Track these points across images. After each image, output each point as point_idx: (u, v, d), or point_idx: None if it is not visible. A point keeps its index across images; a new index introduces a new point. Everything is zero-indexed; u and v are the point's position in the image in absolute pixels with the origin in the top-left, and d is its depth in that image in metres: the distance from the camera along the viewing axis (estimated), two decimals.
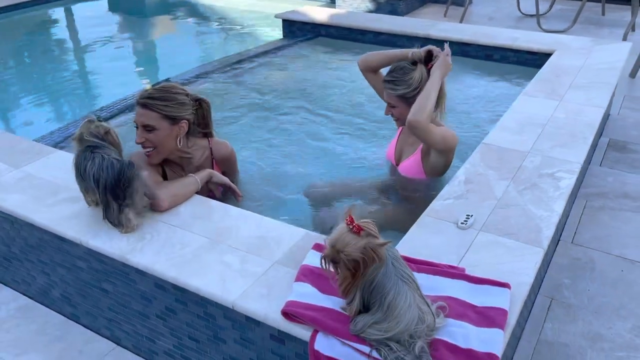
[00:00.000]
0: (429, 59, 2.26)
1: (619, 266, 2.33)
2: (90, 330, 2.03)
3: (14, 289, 2.22)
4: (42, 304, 2.15)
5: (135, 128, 2.06)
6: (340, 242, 1.28)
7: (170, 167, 2.19)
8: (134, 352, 1.94)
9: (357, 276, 1.29)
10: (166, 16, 7.28)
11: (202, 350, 1.71)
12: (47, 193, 2.01)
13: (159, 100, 2.00)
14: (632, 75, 4.49)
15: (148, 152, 2.06)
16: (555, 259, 2.35)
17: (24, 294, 2.20)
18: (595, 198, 2.82)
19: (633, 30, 5.63)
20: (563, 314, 2.09)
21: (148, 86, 2.09)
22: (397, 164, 2.49)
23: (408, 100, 2.24)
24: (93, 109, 3.73)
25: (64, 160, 2.24)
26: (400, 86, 2.24)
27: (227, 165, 2.36)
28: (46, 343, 1.99)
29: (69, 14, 7.41)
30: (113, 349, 1.97)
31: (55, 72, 5.03)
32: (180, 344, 1.76)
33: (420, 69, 2.23)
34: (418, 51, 2.24)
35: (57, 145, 2.75)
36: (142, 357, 1.92)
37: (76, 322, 2.07)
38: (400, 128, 2.50)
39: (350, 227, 1.28)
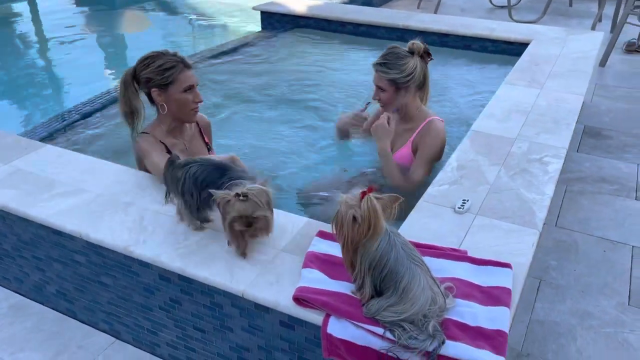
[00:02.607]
0: (427, 54, 2.31)
1: (601, 247, 2.43)
2: (88, 325, 2.02)
3: (4, 287, 2.18)
4: (35, 301, 2.12)
5: (184, 91, 2.12)
6: (345, 195, 1.35)
7: (175, 137, 2.26)
8: (134, 345, 1.93)
9: (342, 236, 1.34)
10: (138, 9, 7.14)
11: (208, 340, 1.72)
12: (41, 188, 1.97)
13: None
14: (602, 64, 4.64)
15: (198, 108, 2.21)
16: (541, 242, 2.42)
17: (16, 292, 2.16)
18: (574, 183, 2.93)
19: (600, 21, 5.80)
20: (552, 294, 2.17)
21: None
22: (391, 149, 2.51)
23: (398, 86, 2.28)
24: (68, 104, 3.63)
25: (55, 155, 2.21)
26: (392, 70, 2.26)
27: (209, 133, 2.47)
28: (42, 340, 1.96)
29: (33, 7, 7.20)
30: (112, 342, 1.96)
31: (21, 67, 4.89)
32: (185, 334, 1.76)
33: (416, 59, 2.27)
34: (419, 43, 2.28)
35: (42, 140, 2.69)
36: (143, 350, 1.92)
37: (72, 317, 2.04)
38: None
39: (363, 190, 1.32)
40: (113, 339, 1.97)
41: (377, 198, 1.31)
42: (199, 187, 1.62)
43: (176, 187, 1.67)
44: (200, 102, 2.18)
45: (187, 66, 2.13)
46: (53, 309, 2.08)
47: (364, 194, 1.30)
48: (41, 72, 4.90)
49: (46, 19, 6.74)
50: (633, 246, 2.42)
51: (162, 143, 2.19)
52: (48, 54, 5.43)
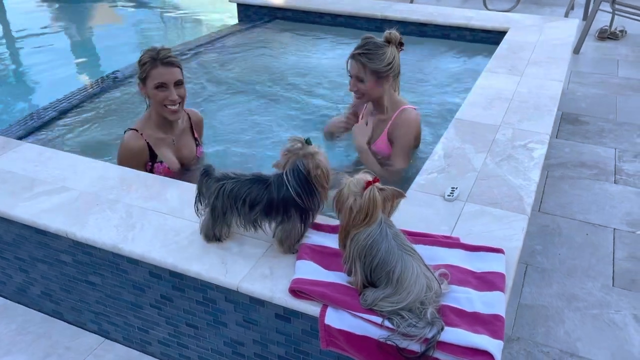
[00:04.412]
0: (401, 44, 2.31)
1: (583, 230, 2.48)
2: (75, 325, 1.97)
3: None
4: (19, 303, 2.07)
5: (156, 88, 2.14)
6: (351, 179, 1.36)
7: (164, 131, 2.29)
8: (124, 344, 1.90)
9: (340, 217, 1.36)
10: (108, 3, 6.99)
11: (201, 336, 1.70)
12: (22, 187, 1.92)
13: (176, 57, 2.18)
14: (576, 51, 4.71)
15: (176, 108, 2.18)
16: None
17: None
18: (555, 168, 2.97)
19: (572, 8, 5.89)
20: (539, 278, 2.20)
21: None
22: (369, 143, 2.52)
23: (379, 75, 2.27)
24: (39, 101, 3.53)
25: (34, 153, 2.15)
26: (373, 60, 2.24)
27: (200, 130, 2.51)
28: (29, 342, 1.92)
29: None
30: (102, 342, 1.92)
31: None
32: (177, 331, 1.74)
33: (393, 49, 2.26)
34: (396, 33, 2.27)
35: (19, 138, 2.61)
36: (134, 348, 1.89)
37: (59, 318, 2.00)
38: (364, 108, 2.53)
39: (368, 180, 1.33)
40: (102, 338, 1.93)
41: (380, 189, 1.30)
42: (248, 205, 1.52)
43: (207, 199, 1.57)
44: (173, 101, 2.17)
45: (164, 63, 2.13)
46: (38, 310, 2.03)
47: (368, 183, 1.29)
48: (9, 68, 4.76)
49: (12, 13, 6.56)
50: (614, 229, 2.47)
51: (147, 142, 2.22)
52: (16, 49, 5.28)
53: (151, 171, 2.24)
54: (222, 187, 1.53)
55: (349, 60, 2.31)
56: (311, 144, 1.51)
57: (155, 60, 2.12)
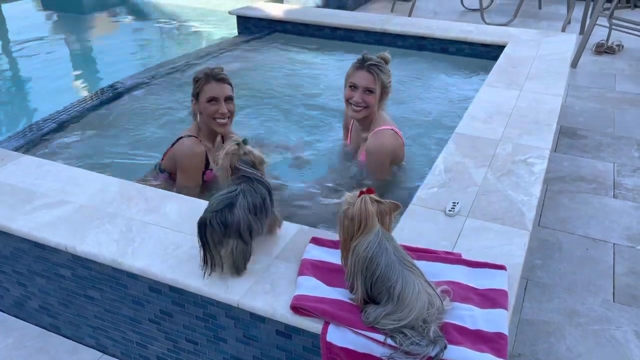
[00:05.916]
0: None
1: (583, 245, 2.47)
2: (73, 340, 1.96)
3: None
4: (16, 317, 2.05)
5: (208, 102, 2.26)
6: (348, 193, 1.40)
7: (211, 143, 2.42)
8: None
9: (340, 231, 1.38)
10: (108, 15, 7.01)
11: (200, 352, 1.69)
12: (22, 200, 1.91)
13: (228, 76, 2.32)
14: (573, 65, 4.74)
15: (225, 121, 2.31)
16: None
17: None
18: (554, 182, 2.98)
19: (569, 23, 5.93)
20: (539, 293, 2.19)
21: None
22: (355, 154, 2.53)
23: (385, 89, 2.29)
24: (42, 114, 3.52)
25: (34, 165, 2.15)
26: (383, 72, 2.27)
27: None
28: (26, 356, 1.90)
29: None
30: (99, 357, 1.90)
31: None
32: (176, 347, 1.72)
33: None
34: (388, 54, 2.31)
35: (18, 150, 2.60)
36: None
37: (56, 333, 1.98)
38: (352, 122, 2.53)
39: (362, 190, 1.36)
40: (100, 353, 1.91)
41: (376, 201, 1.31)
42: (263, 204, 1.57)
43: (225, 238, 1.49)
44: (223, 115, 2.29)
45: (216, 79, 2.27)
46: (36, 324, 2.01)
47: (361, 193, 1.31)
48: (8, 79, 4.76)
49: (11, 24, 6.56)
50: (614, 243, 2.47)
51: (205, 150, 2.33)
52: (15, 61, 5.28)
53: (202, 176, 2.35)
54: (240, 208, 1.50)
55: (358, 72, 2.29)
56: (247, 144, 1.64)
57: (209, 76, 2.26)
